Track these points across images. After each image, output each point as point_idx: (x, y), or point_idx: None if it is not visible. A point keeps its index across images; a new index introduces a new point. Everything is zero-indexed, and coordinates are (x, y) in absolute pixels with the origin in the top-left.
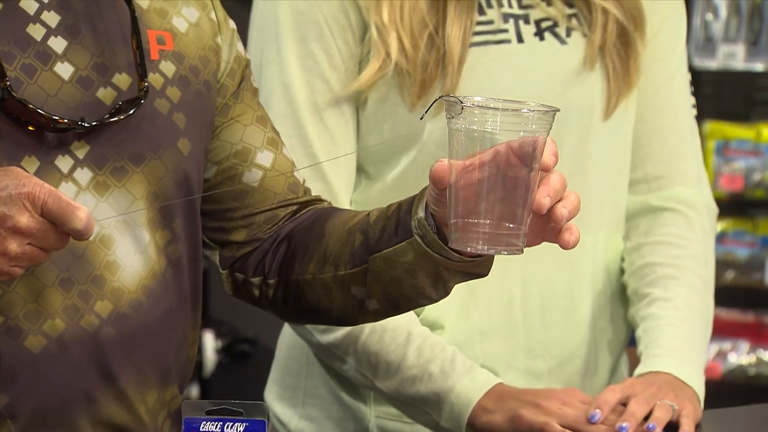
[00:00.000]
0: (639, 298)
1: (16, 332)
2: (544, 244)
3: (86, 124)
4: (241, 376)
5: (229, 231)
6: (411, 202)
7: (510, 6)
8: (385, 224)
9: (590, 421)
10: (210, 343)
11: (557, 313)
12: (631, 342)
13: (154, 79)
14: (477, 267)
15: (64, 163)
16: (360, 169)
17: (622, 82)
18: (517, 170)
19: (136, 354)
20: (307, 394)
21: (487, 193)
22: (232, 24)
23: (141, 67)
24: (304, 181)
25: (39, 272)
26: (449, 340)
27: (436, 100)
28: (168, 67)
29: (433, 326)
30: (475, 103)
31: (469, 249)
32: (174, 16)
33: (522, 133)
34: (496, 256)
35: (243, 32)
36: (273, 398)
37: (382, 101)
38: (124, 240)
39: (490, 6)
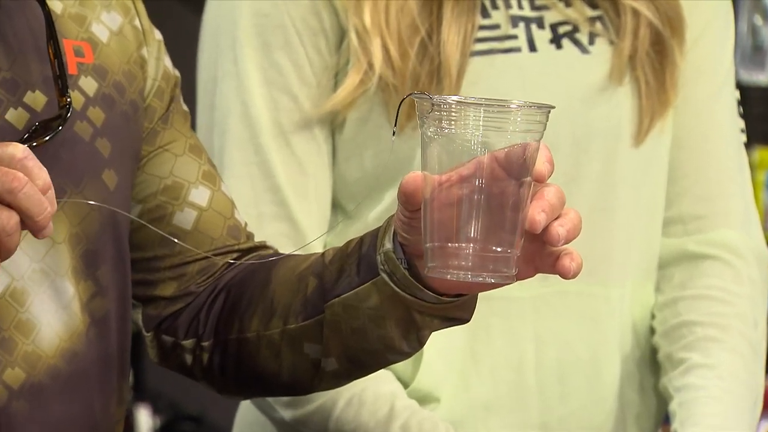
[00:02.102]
0: (674, 365)
1: None
2: (562, 297)
3: None
4: None
5: (155, 284)
6: (375, 235)
7: (520, 7)
8: (344, 263)
9: None
10: (145, 421)
11: (578, 382)
12: (666, 419)
13: (73, 98)
14: (458, 310)
15: None
16: (336, 206)
17: (657, 99)
18: (504, 185)
19: (56, 429)
20: None
21: (469, 213)
22: (158, 35)
23: (61, 79)
24: (246, 224)
25: None
26: (445, 416)
27: (405, 97)
28: (89, 84)
29: (426, 399)
30: (451, 101)
31: (448, 277)
32: (93, 22)
33: (509, 135)
34: (500, 312)
35: (193, 41)
36: None
37: (362, 122)
38: (42, 293)
39: (495, 7)
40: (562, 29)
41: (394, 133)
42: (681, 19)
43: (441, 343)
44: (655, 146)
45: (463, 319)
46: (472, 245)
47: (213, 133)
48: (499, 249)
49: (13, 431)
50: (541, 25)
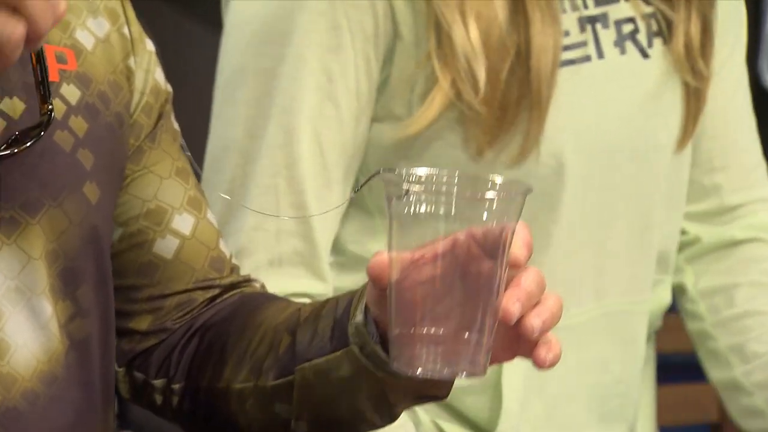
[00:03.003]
0: (747, 358)
1: None
2: (606, 319)
3: None
4: None
5: (129, 316)
6: (350, 300)
7: (585, 6)
8: (318, 325)
9: None
10: None
11: (616, 401)
12: None
13: (54, 105)
14: (432, 388)
15: None
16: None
17: (698, 98)
18: (480, 265)
19: None
20: None
21: (444, 294)
22: (150, 45)
23: (43, 85)
24: (231, 256)
25: None
26: None
27: (372, 176)
28: (71, 92)
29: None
30: (422, 179)
31: (419, 373)
32: (77, 28)
33: (485, 215)
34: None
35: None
36: None
37: (428, 141)
38: (17, 313)
39: (563, 10)
40: (625, 28)
41: (357, 190)
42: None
43: (521, 389)
44: (688, 149)
45: (438, 397)
46: (443, 330)
47: (236, 128)
48: (473, 337)
49: None
50: (605, 23)
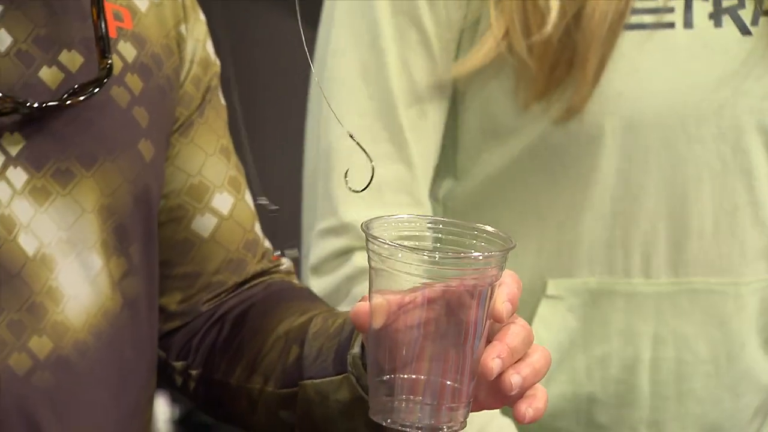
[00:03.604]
0: None
1: None
2: (689, 295)
3: (36, 105)
4: None
5: (161, 292)
6: (354, 327)
7: None
8: (324, 345)
9: None
10: (163, 410)
11: (696, 382)
12: None
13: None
14: None
15: None
16: (451, 149)
17: None
18: (469, 312)
19: (79, 412)
20: None
21: (434, 339)
22: (202, 16)
23: (103, 40)
24: (264, 239)
25: None
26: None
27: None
28: (128, 50)
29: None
30: (403, 234)
31: (400, 426)
32: None
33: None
34: (622, 308)
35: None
36: None
37: (489, 89)
38: (68, 264)
39: None
40: (726, 2)
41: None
42: None
43: (550, 336)
44: None
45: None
46: (431, 377)
47: (337, 62)
48: (456, 386)
49: (33, 404)
50: None
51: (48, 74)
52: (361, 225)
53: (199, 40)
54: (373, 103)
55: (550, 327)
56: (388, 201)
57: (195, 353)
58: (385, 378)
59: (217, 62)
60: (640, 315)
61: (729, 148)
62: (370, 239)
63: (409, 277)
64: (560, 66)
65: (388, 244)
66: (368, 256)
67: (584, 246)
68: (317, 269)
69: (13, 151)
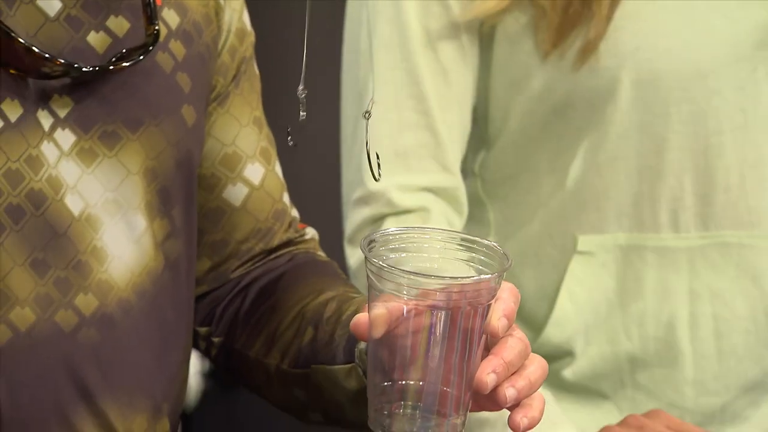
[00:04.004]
0: None
1: None
2: (721, 249)
3: (85, 69)
4: (235, 412)
5: None
6: None
7: None
8: (335, 330)
9: None
10: (193, 363)
11: (736, 339)
12: None
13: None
14: None
15: (45, 118)
16: (480, 116)
17: None
18: (472, 321)
19: (123, 369)
20: None
21: (432, 348)
22: None
23: (150, 7)
24: (292, 208)
25: (7, 247)
26: (583, 370)
27: (362, 242)
28: (171, 17)
29: (555, 355)
30: (400, 252)
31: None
32: None
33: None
34: (654, 264)
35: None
36: None
37: (511, 43)
38: (114, 225)
39: None
40: None
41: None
42: None
43: (584, 294)
44: None
45: None
46: (432, 381)
47: (361, 39)
48: (455, 393)
49: (79, 360)
50: None
51: (96, 39)
52: (360, 244)
53: (235, 10)
54: (396, 73)
55: (583, 285)
56: (414, 167)
57: (218, 321)
58: (384, 385)
59: (252, 33)
60: (673, 270)
61: (749, 101)
62: (367, 259)
63: (402, 299)
64: (574, 3)
65: (386, 268)
66: (370, 278)
67: (612, 201)
68: (351, 239)
69: (62, 113)
